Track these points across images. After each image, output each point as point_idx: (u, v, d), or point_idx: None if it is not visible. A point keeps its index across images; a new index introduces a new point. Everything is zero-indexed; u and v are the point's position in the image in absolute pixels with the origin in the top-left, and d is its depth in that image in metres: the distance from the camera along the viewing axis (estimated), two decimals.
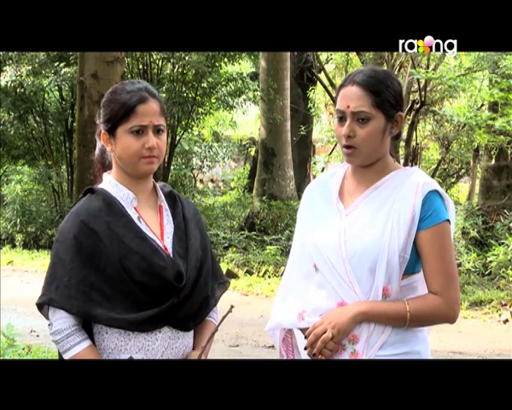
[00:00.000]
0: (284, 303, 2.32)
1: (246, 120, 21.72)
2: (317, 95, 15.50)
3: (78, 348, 2.11)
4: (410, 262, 2.15)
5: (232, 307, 2.14)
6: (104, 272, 2.11)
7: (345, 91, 2.21)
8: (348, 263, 2.16)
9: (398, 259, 2.13)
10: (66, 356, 2.13)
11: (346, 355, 2.17)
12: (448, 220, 2.18)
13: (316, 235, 2.25)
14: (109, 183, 2.25)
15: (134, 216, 2.22)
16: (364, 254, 2.14)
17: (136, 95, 2.18)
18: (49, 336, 2.20)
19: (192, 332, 2.28)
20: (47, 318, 2.19)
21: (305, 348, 2.20)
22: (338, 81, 14.35)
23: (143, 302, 2.13)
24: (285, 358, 2.34)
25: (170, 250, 2.23)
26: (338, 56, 13.59)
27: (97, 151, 2.33)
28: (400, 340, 2.16)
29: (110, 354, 2.15)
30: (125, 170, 2.23)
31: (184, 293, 2.18)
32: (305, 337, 2.19)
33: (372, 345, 2.15)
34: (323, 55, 14.99)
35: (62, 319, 2.12)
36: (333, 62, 14.53)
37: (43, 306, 2.18)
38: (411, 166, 7.71)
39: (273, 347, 6.91)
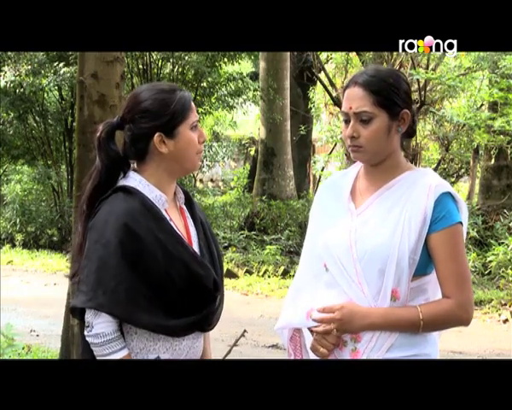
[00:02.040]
0: (294, 302, 2.33)
1: (246, 120, 21.72)
2: (317, 94, 15.51)
3: (119, 355, 2.09)
4: (421, 264, 2.14)
5: (245, 331, 2.16)
6: (149, 278, 2.09)
7: (348, 93, 2.22)
8: (358, 264, 2.15)
9: (407, 260, 2.11)
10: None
11: (346, 352, 2.17)
12: (461, 223, 2.17)
13: (326, 235, 2.25)
14: (140, 182, 2.20)
15: (167, 219, 2.19)
16: (374, 254, 2.13)
17: (185, 91, 2.22)
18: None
19: None
20: (79, 319, 2.16)
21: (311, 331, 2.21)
22: (338, 81, 14.36)
23: (181, 309, 2.14)
24: (292, 357, 2.33)
25: (199, 255, 2.23)
26: (338, 56, 13.59)
27: (106, 162, 2.21)
28: (408, 343, 2.14)
29: (138, 355, 2.14)
30: (171, 169, 2.20)
31: (217, 299, 2.23)
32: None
33: (379, 347, 2.14)
34: (323, 55, 14.99)
35: (106, 323, 2.09)
36: (333, 62, 14.53)
37: (78, 309, 2.14)
38: None
39: (273, 347, 6.94)
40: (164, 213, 2.19)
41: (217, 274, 2.24)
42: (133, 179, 2.20)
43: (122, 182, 2.20)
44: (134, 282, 2.08)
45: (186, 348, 2.19)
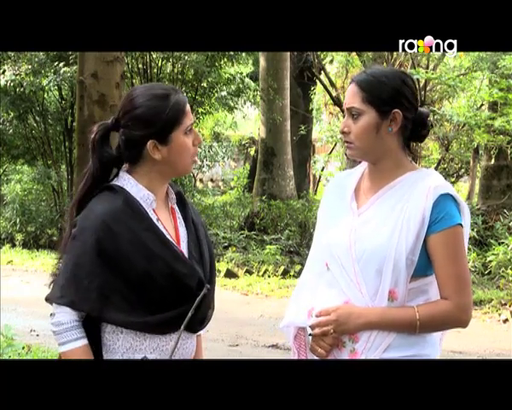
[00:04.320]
0: (297, 300, 2.34)
1: (246, 121, 21.74)
2: (317, 95, 15.53)
3: (75, 345, 2.11)
4: (421, 265, 2.13)
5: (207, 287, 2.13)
6: (126, 276, 2.10)
7: (347, 90, 2.26)
8: (357, 264, 2.15)
9: (405, 261, 2.11)
10: (61, 349, 2.13)
11: (345, 353, 2.17)
12: (461, 224, 2.15)
13: (329, 234, 2.26)
14: (128, 182, 2.20)
15: (153, 218, 2.19)
16: (373, 255, 2.13)
17: (180, 95, 2.19)
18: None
19: None
20: (51, 305, 2.19)
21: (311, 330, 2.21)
22: (338, 81, 14.37)
23: (162, 306, 2.13)
24: (296, 356, 2.34)
25: (186, 255, 2.22)
26: (342, 57, 13.61)
27: (97, 164, 2.21)
28: (407, 343, 2.14)
29: (124, 354, 2.14)
30: (164, 172, 2.20)
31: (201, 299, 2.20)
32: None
33: (376, 347, 2.14)
34: (328, 56, 14.99)
35: (65, 313, 2.12)
36: (336, 61, 14.55)
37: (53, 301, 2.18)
38: None
39: (273, 347, 6.94)
40: (151, 212, 2.19)
41: (204, 274, 2.22)
42: (122, 179, 2.21)
43: (112, 181, 2.22)
44: (109, 279, 2.09)
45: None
